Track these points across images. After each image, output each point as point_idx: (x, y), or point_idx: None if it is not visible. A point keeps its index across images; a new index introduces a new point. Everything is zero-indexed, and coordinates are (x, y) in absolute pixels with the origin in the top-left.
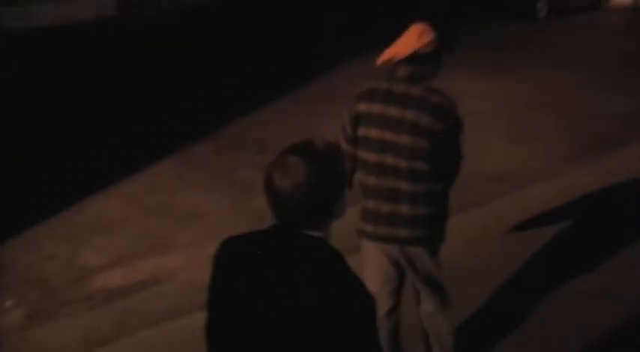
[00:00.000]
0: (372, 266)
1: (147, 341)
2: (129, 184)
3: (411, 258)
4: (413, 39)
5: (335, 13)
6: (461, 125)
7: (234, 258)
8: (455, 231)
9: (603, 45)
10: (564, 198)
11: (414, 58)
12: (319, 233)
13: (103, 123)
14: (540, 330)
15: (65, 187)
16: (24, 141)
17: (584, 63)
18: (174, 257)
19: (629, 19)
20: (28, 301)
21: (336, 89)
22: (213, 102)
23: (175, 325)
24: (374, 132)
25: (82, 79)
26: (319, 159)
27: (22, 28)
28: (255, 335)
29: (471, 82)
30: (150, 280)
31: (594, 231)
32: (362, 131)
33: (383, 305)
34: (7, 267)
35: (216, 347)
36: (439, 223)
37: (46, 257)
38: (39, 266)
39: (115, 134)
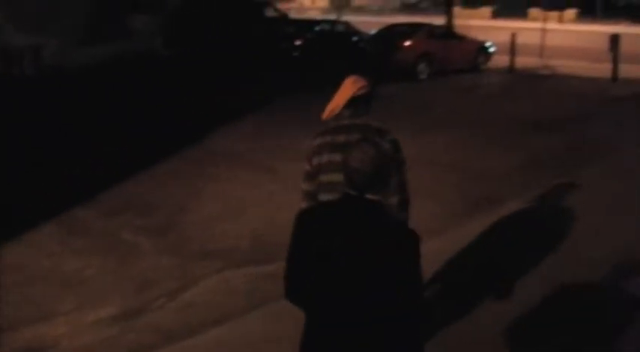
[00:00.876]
0: None
1: None
2: (10, 250)
3: None
4: (349, 87)
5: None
6: (399, 144)
7: (314, 219)
8: None
9: (484, 104)
10: (450, 255)
11: (353, 101)
12: (378, 197)
13: None
14: None
15: None
16: None
17: (466, 122)
18: (57, 324)
19: (506, 80)
20: None
21: (227, 149)
22: (98, 163)
23: None
24: (325, 158)
25: None
26: (380, 147)
27: None
28: (335, 278)
29: None
30: (31, 349)
31: (479, 282)
32: (315, 161)
33: None
34: None
35: (300, 294)
36: None
37: None
38: None
39: None
